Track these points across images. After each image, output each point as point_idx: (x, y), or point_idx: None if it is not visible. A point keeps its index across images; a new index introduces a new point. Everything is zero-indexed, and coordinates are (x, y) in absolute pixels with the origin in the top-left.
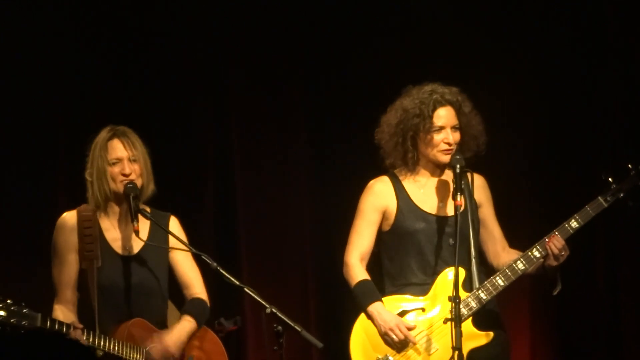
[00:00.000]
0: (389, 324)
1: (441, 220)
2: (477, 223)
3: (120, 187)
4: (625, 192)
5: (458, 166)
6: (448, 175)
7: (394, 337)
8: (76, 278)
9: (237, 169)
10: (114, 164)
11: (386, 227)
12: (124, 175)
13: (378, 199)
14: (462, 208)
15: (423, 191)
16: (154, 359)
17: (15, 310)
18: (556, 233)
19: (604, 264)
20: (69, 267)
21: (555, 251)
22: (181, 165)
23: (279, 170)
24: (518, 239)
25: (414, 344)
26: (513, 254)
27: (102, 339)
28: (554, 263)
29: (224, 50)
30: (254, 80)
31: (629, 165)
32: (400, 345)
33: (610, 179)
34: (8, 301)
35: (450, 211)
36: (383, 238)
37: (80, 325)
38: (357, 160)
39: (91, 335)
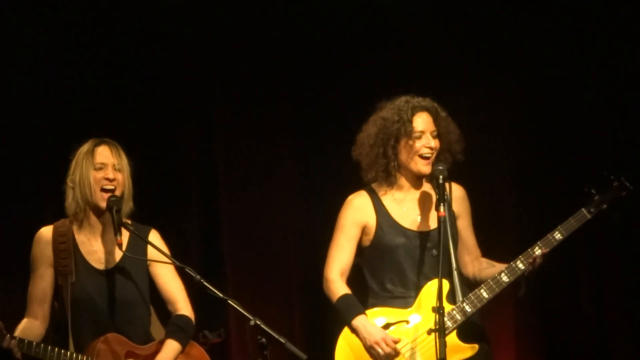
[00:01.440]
0: (374, 337)
1: (421, 235)
2: (456, 235)
3: (100, 199)
4: (608, 203)
5: (441, 177)
6: (427, 188)
7: (379, 350)
8: (50, 293)
9: (222, 182)
10: (98, 168)
11: (366, 242)
12: (108, 179)
13: (357, 214)
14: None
15: (401, 206)
16: None
17: None
18: (539, 245)
19: (587, 272)
20: (42, 281)
21: (539, 262)
22: (166, 179)
23: (264, 183)
24: (503, 247)
25: (400, 356)
26: (484, 263)
27: (67, 356)
28: (528, 272)
29: (210, 67)
30: (240, 95)
31: (611, 177)
32: (386, 359)
33: (593, 191)
34: None
35: (429, 225)
36: (363, 252)
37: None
38: (341, 174)
39: (55, 353)
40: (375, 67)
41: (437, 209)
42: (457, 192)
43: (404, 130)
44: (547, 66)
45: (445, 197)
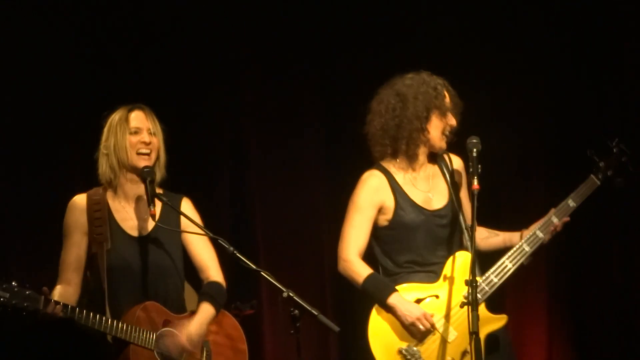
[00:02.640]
0: (414, 314)
1: (436, 212)
2: (472, 207)
3: (137, 160)
4: (612, 169)
5: (475, 150)
6: (432, 164)
7: (420, 326)
8: (84, 260)
9: (252, 154)
10: (134, 132)
11: (383, 222)
12: (144, 143)
13: (375, 194)
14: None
15: (414, 185)
16: (173, 346)
17: (17, 292)
18: (555, 213)
19: (618, 245)
20: (76, 248)
21: (559, 230)
22: (198, 151)
23: (294, 155)
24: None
25: (436, 332)
26: (484, 232)
27: (108, 322)
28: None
29: (237, 43)
30: (267, 68)
31: (610, 143)
32: (424, 334)
33: (595, 158)
34: (13, 283)
35: (441, 202)
36: (379, 233)
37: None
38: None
39: (97, 318)
40: (397, 54)
41: (471, 183)
42: (457, 163)
43: (442, 105)
44: (554, 54)
45: (478, 170)
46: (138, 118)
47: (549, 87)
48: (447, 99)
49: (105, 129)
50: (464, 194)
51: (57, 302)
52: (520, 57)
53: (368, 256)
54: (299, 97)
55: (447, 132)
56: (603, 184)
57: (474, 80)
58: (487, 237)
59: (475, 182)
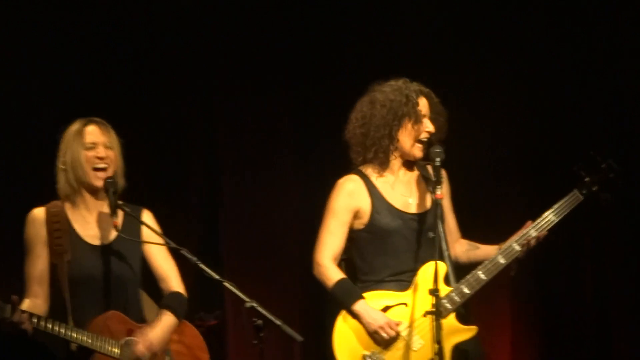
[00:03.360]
0: (378, 321)
1: (414, 217)
2: (442, 217)
3: (93, 177)
4: (598, 185)
5: (438, 159)
6: (414, 170)
7: (384, 334)
8: (46, 272)
9: (221, 165)
10: (89, 148)
11: (359, 226)
12: (99, 158)
13: (350, 199)
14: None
15: (393, 189)
16: (135, 354)
17: None
18: (533, 226)
19: (590, 261)
20: (38, 261)
21: (534, 244)
22: (166, 160)
23: (264, 167)
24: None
25: (402, 340)
26: (466, 244)
27: (74, 332)
28: (523, 253)
29: (212, 55)
30: (241, 81)
31: (598, 158)
32: (388, 342)
33: (582, 172)
34: None
35: (421, 208)
36: (355, 237)
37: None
38: (342, 158)
39: (63, 328)
40: (375, 56)
41: (434, 192)
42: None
43: (412, 112)
44: (545, 56)
45: (436, 179)
46: (93, 133)
47: (528, 94)
48: (423, 106)
49: (62, 144)
50: (445, 205)
51: (23, 311)
52: (500, 62)
53: (348, 261)
54: (271, 107)
55: (422, 140)
56: (586, 199)
57: (451, 86)
58: (467, 250)
59: (439, 191)
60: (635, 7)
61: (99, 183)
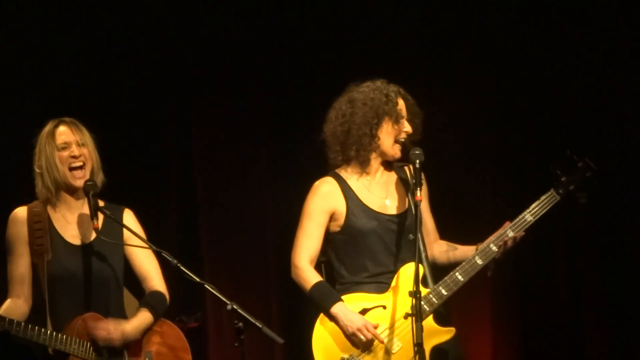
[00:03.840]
0: (356, 324)
1: (391, 219)
2: (420, 219)
3: (71, 177)
4: (575, 184)
5: (417, 161)
6: (390, 171)
7: (361, 337)
8: (28, 272)
9: (198, 166)
10: (62, 148)
11: (335, 228)
12: (73, 157)
13: (325, 200)
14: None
15: (369, 190)
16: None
17: None
18: (511, 227)
19: (564, 256)
20: (21, 260)
21: (510, 245)
22: (144, 162)
23: (240, 170)
24: (479, 231)
25: (380, 342)
26: (444, 245)
27: (47, 334)
28: (500, 254)
29: (186, 60)
30: (216, 86)
31: (575, 157)
32: (366, 345)
33: (558, 172)
34: None
35: (398, 209)
36: (331, 239)
37: None
38: (316, 162)
39: (36, 331)
40: (351, 63)
41: (414, 193)
42: None
43: (393, 111)
44: (522, 56)
45: (414, 181)
46: (64, 133)
47: (502, 93)
48: (401, 106)
49: (37, 148)
50: (423, 206)
51: None
52: (473, 62)
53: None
54: (247, 110)
55: (400, 140)
56: (563, 199)
57: (425, 87)
58: (446, 251)
59: (418, 193)
60: (608, 6)
61: (78, 183)
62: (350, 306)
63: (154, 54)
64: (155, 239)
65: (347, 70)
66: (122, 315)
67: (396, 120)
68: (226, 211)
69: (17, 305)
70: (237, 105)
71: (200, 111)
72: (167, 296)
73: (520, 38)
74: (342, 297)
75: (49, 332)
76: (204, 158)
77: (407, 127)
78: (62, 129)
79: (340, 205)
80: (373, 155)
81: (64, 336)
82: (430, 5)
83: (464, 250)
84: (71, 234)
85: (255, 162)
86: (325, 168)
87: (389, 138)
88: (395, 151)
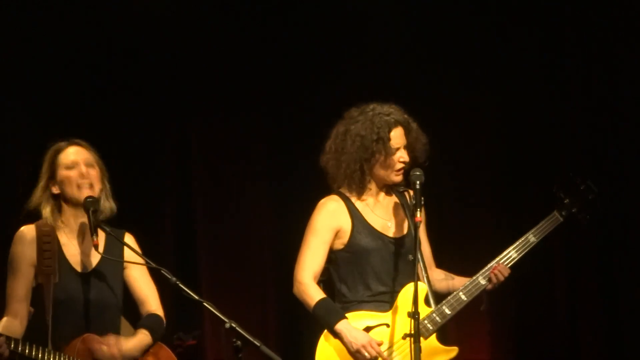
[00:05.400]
0: (360, 341)
1: (394, 241)
2: (419, 240)
3: (78, 194)
4: (577, 206)
5: (418, 182)
6: (393, 194)
7: (365, 354)
8: (29, 292)
9: (195, 185)
10: (69, 168)
11: (339, 246)
12: (81, 175)
13: (332, 218)
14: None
15: (373, 211)
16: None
17: None
18: (514, 248)
19: (562, 276)
20: (24, 280)
21: (501, 278)
22: (141, 181)
23: (238, 191)
24: (479, 254)
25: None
26: (442, 273)
27: (50, 355)
28: (491, 286)
29: (185, 78)
30: (214, 103)
31: (577, 180)
32: None
33: (561, 194)
34: None
35: (400, 231)
36: (334, 257)
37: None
38: (315, 184)
39: (40, 351)
40: (351, 79)
41: (414, 214)
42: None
43: (383, 149)
44: (522, 74)
45: (422, 202)
46: (72, 153)
47: (498, 114)
48: (398, 137)
49: (43, 167)
50: (422, 231)
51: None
52: (470, 83)
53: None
54: (244, 128)
55: (397, 168)
56: (566, 220)
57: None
58: (443, 279)
59: (418, 214)
60: (606, 18)
61: (86, 193)
62: (354, 324)
63: (152, 72)
64: (152, 257)
65: (348, 88)
66: None
67: (387, 155)
68: (224, 230)
69: (13, 325)
70: (235, 124)
71: (198, 130)
72: (164, 320)
73: (518, 57)
74: (347, 315)
75: (52, 352)
76: (202, 177)
77: (403, 157)
78: (70, 149)
79: (346, 223)
80: (370, 183)
81: (66, 355)
82: (430, 28)
83: (462, 281)
84: (76, 260)
85: (254, 180)
86: (324, 185)
87: (383, 169)
88: (392, 178)
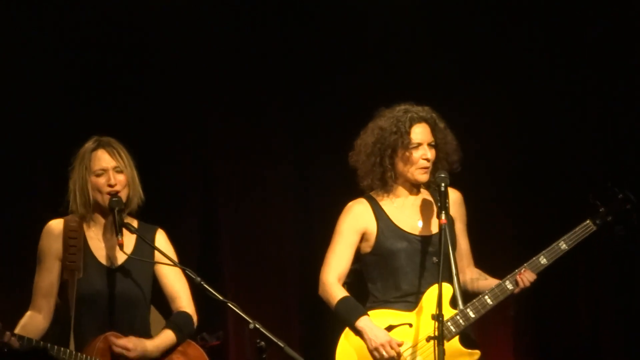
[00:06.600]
0: (380, 339)
1: (422, 239)
2: (454, 240)
3: (104, 199)
4: (613, 216)
5: (443, 184)
6: (425, 194)
7: (384, 353)
8: (56, 287)
9: (221, 185)
10: (99, 175)
11: (366, 249)
12: (110, 186)
13: (357, 220)
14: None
15: (401, 211)
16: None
17: None
18: (544, 255)
19: (585, 283)
20: (49, 274)
21: (527, 284)
22: (166, 180)
23: (263, 187)
24: (503, 260)
25: (402, 359)
26: (476, 273)
27: (67, 354)
28: (517, 290)
29: (206, 73)
30: (236, 103)
31: (615, 189)
32: None
33: (597, 202)
34: None
35: (430, 230)
36: (364, 259)
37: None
38: (339, 182)
39: (55, 350)
40: (372, 75)
41: (439, 217)
42: (453, 196)
43: (401, 142)
44: (541, 76)
45: (447, 204)
46: (102, 158)
47: (525, 122)
48: (420, 133)
49: (73, 167)
50: (458, 228)
51: (13, 334)
52: (495, 94)
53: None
54: (269, 129)
55: (420, 165)
56: (600, 229)
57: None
58: (477, 279)
59: (443, 216)
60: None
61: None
62: (376, 322)
63: (173, 69)
64: (177, 257)
65: (369, 84)
66: (147, 335)
67: (407, 148)
68: (248, 230)
69: (36, 320)
70: (259, 123)
71: (221, 130)
72: (195, 318)
73: (542, 72)
74: (369, 313)
75: (68, 351)
76: (225, 176)
77: (425, 154)
78: (100, 153)
79: (371, 226)
80: (396, 181)
81: (84, 355)
82: (452, 26)
83: (493, 282)
84: (103, 255)
85: (277, 181)
86: (345, 183)
87: (405, 165)
88: (417, 176)
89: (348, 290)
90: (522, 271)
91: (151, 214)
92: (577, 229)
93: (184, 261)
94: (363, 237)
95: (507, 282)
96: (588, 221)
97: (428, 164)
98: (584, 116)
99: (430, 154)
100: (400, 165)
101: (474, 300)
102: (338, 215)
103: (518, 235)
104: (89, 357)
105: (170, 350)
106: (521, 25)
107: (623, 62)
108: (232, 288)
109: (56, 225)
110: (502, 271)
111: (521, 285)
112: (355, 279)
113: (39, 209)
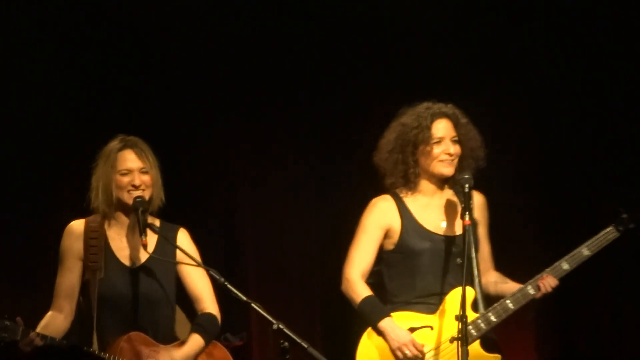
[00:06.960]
0: (402, 339)
1: (445, 239)
2: (477, 243)
3: (128, 198)
4: (636, 222)
5: (467, 185)
6: (449, 194)
7: (407, 351)
8: (77, 287)
9: (244, 186)
10: (124, 174)
11: (389, 246)
12: (134, 186)
13: (382, 216)
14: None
15: (425, 210)
16: None
17: None
18: (566, 260)
19: (609, 289)
20: (71, 275)
21: (549, 289)
22: (190, 181)
23: (286, 187)
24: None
25: None
26: (497, 276)
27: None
28: (539, 295)
29: (227, 77)
30: (258, 99)
31: (637, 196)
32: None
33: (621, 208)
34: None
35: (454, 231)
36: (385, 257)
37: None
38: (361, 178)
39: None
40: (391, 75)
41: (462, 218)
42: (478, 199)
43: (421, 137)
44: (557, 76)
45: (471, 205)
46: (129, 159)
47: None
48: (441, 128)
49: (97, 165)
50: (480, 232)
51: (37, 333)
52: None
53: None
54: (290, 131)
55: (443, 159)
56: (623, 236)
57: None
58: (498, 282)
59: (467, 217)
60: None
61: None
62: (398, 324)
63: (197, 76)
64: (201, 257)
65: (390, 85)
66: (171, 335)
67: (428, 143)
68: (272, 230)
69: (57, 320)
70: (282, 124)
71: (244, 130)
72: (219, 318)
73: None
74: (392, 315)
75: (92, 351)
76: (249, 177)
77: (447, 148)
78: (127, 153)
79: (395, 222)
80: (420, 178)
81: (107, 355)
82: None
83: (514, 286)
84: (124, 255)
85: (301, 181)
86: (368, 186)
87: (426, 159)
88: (440, 170)
89: (372, 290)
90: (544, 276)
91: (176, 214)
92: (599, 235)
93: (208, 261)
94: (387, 234)
95: (529, 287)
96: (611, 227)
97: (451, 157)
98: (614, 123)
99: (454, 149)
100: (422, 161)
101: (496, 304)
102: (359, 215)
103: (539, 239)
104: (112, 356)
105: (198, 355)
106: (521, 25)
107: None
108: (255, 288)
109: (77, 225)
110: (524, 277)
111: (543, 290)
112: (379, 280)
113: (61, 210)
